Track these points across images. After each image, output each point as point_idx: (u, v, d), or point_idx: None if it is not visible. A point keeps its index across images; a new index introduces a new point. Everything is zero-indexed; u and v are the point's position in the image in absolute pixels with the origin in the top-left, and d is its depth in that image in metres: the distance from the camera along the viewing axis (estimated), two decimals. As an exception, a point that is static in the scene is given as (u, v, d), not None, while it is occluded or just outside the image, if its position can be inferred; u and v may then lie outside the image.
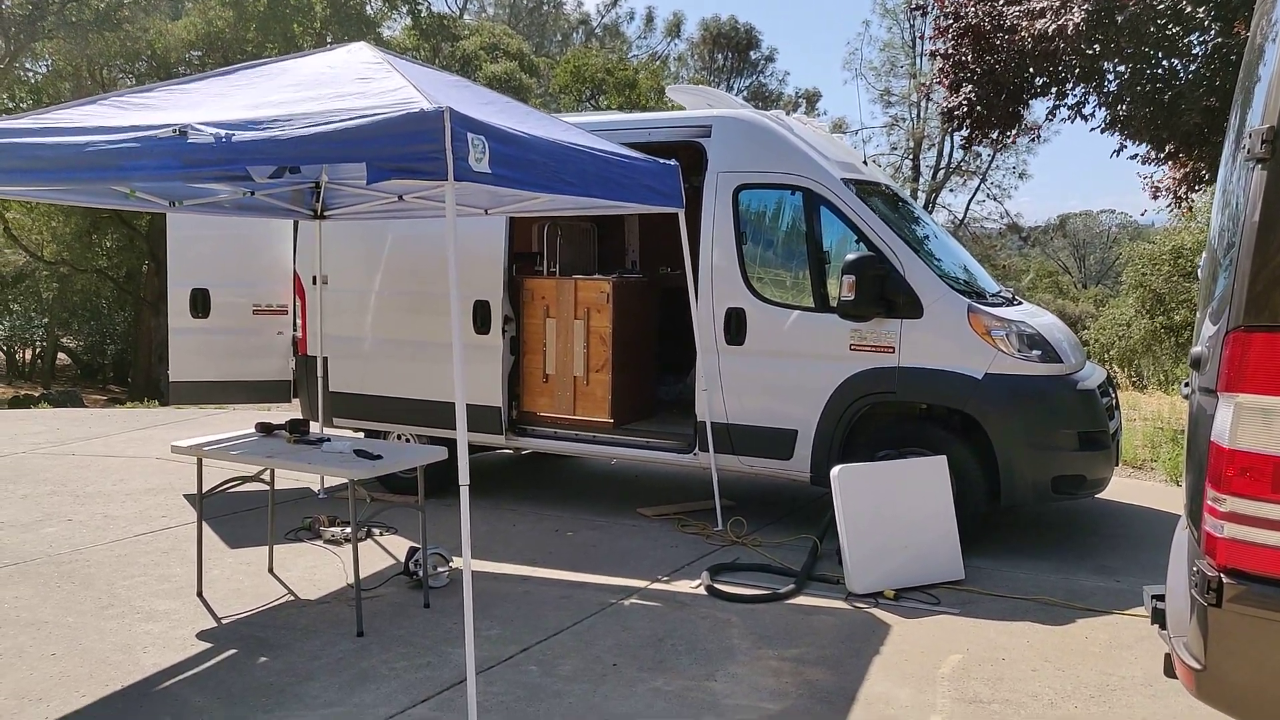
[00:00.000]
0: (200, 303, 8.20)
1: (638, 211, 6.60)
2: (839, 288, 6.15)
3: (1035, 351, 6.10)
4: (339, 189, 7.04)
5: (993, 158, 39.89)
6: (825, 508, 5.99)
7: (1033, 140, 10.97)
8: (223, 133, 4.12)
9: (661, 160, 6.34)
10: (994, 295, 6.71)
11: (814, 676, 4.47)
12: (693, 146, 6.85)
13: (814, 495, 7.14)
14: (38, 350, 32.34)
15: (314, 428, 6.75)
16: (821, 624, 5.11)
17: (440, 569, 5.69)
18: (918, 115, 40.87)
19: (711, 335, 6.68)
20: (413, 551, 5.72)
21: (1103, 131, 9.87)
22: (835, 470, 5.64)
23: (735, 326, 6.60)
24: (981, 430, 6.07)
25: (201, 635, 4.95)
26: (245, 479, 5.55)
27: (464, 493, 4.08)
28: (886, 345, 6.20)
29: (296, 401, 8.44)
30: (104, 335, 31.37)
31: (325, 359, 7.97)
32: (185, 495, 5.44)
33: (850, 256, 6.08)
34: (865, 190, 6.60)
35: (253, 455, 5.22)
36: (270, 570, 5.92)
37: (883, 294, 6.13)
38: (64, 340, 32.14)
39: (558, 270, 7.59)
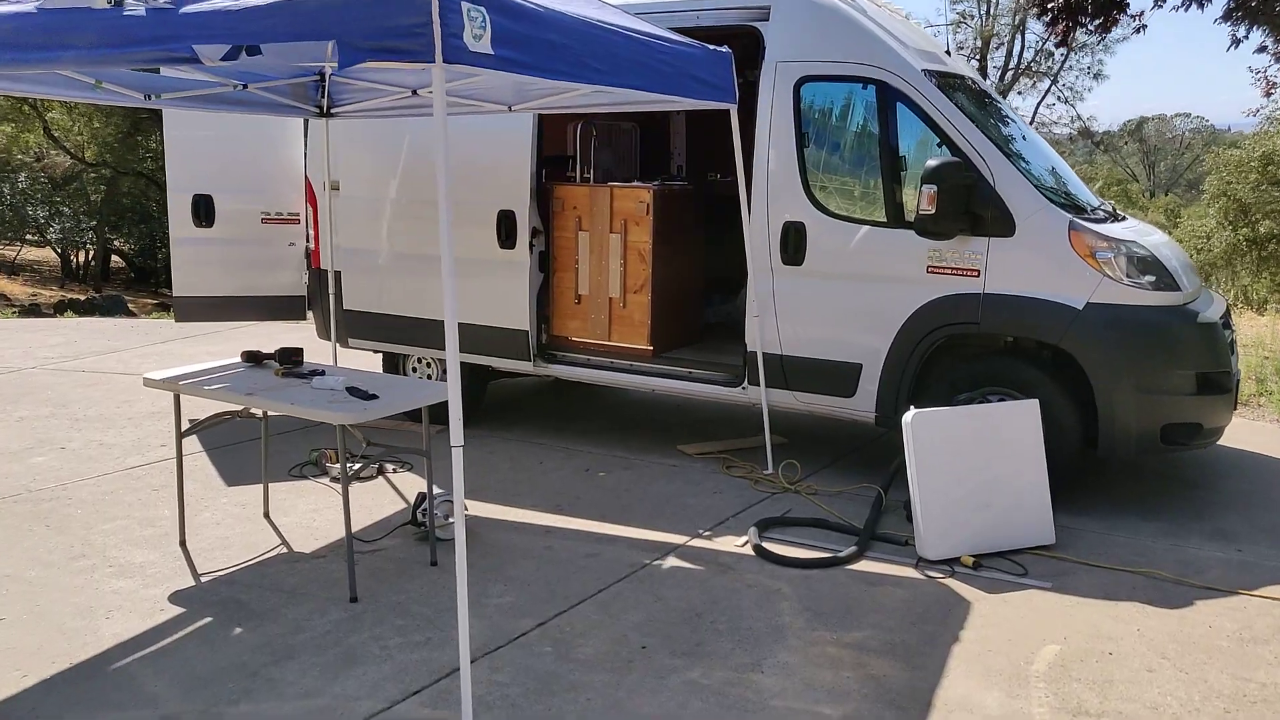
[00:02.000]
0: (203, 210, 7.49)
1: (683, 107, 5.69)
2: (917, 199, 5.24)
3: (1148, 277, 5.17)
4: (346, 83, 6.21)
5: (1066, 57, 37.67)
6: (891, 452, 5.21)
7: (1136, 31, 9.75)
8: (162, 2, 3.32)
9: (712, 46, 5.42)
10: (1095, 210, 5.75)
11: (880, 670, 3.73)
12: (747, 31, 5.89)
13: (878, 435, 6.35)
14: (90, 254, 32.13)
15: (315, 355, 6.07)
16: (888, 598, 4.36)
17: (452, 519, 5.01)
18: (987, 11, 38.57)
19: (765, 253, 5.82)
20: (421, 499, 5.04)
21: (1227, 20, 8.64)
22: (908, 416, 4.83)
23: (793, 243, 5.72)
24: (1077, 368, 5.20)
25: (175, 597, 4.33)
26: (231, 414, 4.88)
27: (456, 455, 3.33)
28: (970, 268, 5.30)
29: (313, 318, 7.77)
30: (155, 239, 30.98)
31: (339, 273, 7.26)
32: (191, 420, 4.84)
33: (932, 162, 5.15)
34: (949, 84, 5.63)
35: (232, 393, 4.53)
36: (266, 515, 5.30)
37: (969, 207, 5.22)
38: (116, 243, 31.86)
39: (593, 176, 6.73)
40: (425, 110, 6.16)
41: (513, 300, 6.54)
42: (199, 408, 5.09)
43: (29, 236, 28.91)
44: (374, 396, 4.36)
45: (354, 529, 4.97)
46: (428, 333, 6.86)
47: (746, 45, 5.96)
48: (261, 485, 5.40)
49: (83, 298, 24.48)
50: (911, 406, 5.47)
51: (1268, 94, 9.88)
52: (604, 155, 6.97)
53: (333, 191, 7.23)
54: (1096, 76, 40.81)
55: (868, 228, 5.54)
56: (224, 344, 9.84)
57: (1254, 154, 22.33)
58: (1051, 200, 5.30)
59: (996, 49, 39.10)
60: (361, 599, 4.31)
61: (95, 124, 26.22)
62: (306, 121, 7.26)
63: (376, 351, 7.38)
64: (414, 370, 7.32)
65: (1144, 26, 9.68)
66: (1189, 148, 50.72)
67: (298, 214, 7.68)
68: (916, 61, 5.54)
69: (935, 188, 5.11)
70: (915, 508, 4.74)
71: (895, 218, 5.48)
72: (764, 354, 5.87)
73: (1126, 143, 48.12)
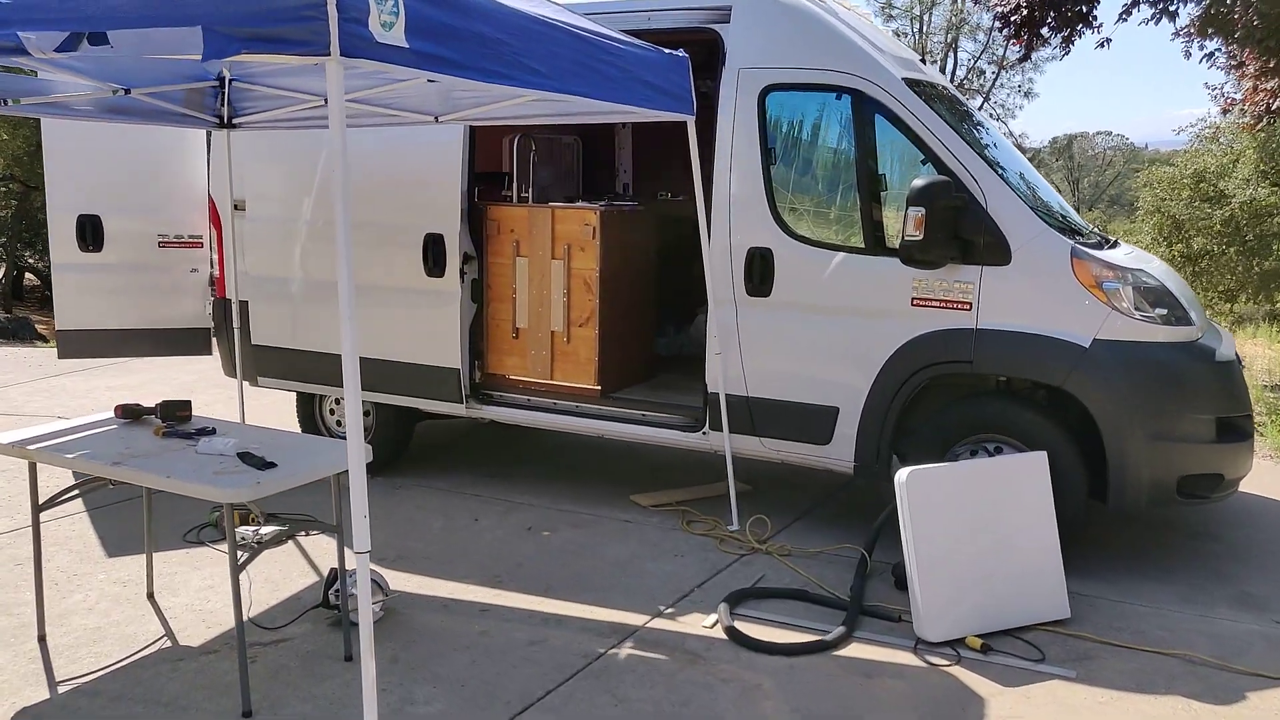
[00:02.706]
0: (90, 232, 6.62)
1: (636, 118, 5.03)
2: (901, 223, 4.63)
3: (1159, 310, 4.62)
4: (249, 89, 5.45)
5: (997, 75, 38.02)
6: (871, 501, 4.59)
7: (1100, 46, 9.36)
8: (-24, -21, 2.56)
9: (667, 50, 4.77)
10: (1088, 234, 5.21)
11: (892, 799, 3.08)
12: (705, 36, 5.25)
13: (855, 482, 5.72)
14: (0, 272, 30.39)
15: (223, 392, 5.29)
16: (888, 694, 3.71)
17: (374, 600, 4.25)
18: (920, 29, 38.74)
19: (728, 282, 5.17)
20: (333, 577, 4.27)
21: (1191, 34, 8.24)
22: (902, 475, 4.19)
23: (759, 272, 5.08)
24: (1081, 411, 4.62)
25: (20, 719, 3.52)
26: (97, 483, 4.07)
27: (360, 530, 2.61)
28: (961, 300, 4.70)
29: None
30: (71, 258, 29.30)
31: (245, 304, 6.44)
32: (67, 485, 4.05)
33: (919, 182, 4.55)
34: (929, 95, 5.04)
35: (95, 461, 3.72)
36: (150, 595, 4.48)
37: (958, 232, 4.62)
38: (30, 260, 30.18)
39: (531, 195, 6.02)
40: (348, 122, 5.43)
41: (442, 334, 5.80)
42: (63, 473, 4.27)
43: (-67, 255, 27.21)
44: (271, 465, 3.60)
45: (256, 609, 4.24)
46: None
47: (703, 51, 5.31)
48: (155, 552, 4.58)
49: (-12, 319, 23.01)
50: (895, 455, 4.89)
51: (1225, 112, 9.53)
52: (543, 172, 6.27)
53: (237, 212, 6.42)
54: (1027, 95, 41.25)
55: (843, 255, 4.92)
56: (125, 377, 8.92)
57: (1186, 171, 22.43)
58: (1048, 224, 4.73)
59: (931, 64, 39.33)
60: (257, 711, 3.53)
61: (3, 135, 24.76)
62: (210, 133, 6.45)
63: (289, 390, 6.57)
64: (331, 412, 6.53)
65: (1108, 40, 9.35)
66: (1110, 164, 51.71)
67: (200, 237, 6.85)
68: (896, 69, 4.94)
69: (923, 210, 4.50)
70: (912, 581, 4.10)
71: (875, 243, 4.86)
72: (726, 395, 5.21)
73: (1059, 159, 48.77)
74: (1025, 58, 11.08)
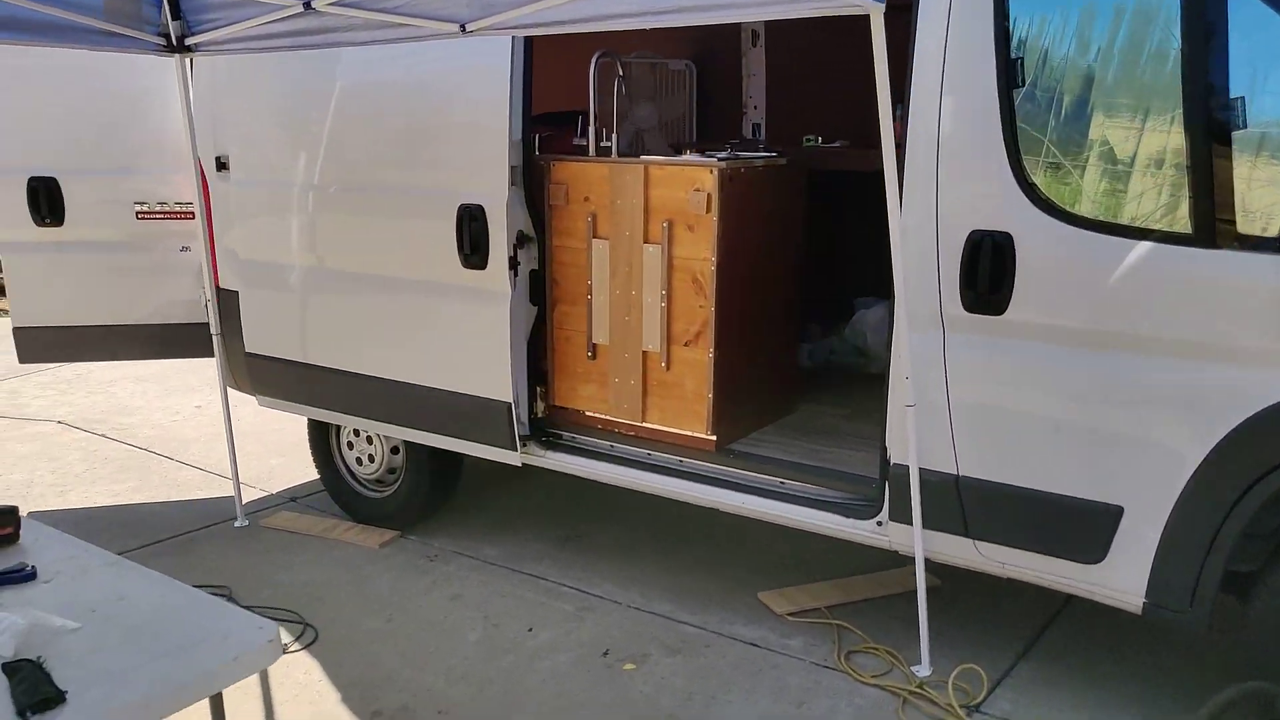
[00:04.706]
0: (45, 201, 5.03)
1: (789, 14, 3.00)
2: None
3: None
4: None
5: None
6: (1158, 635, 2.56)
7: None
8: None
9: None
10: None
11: None
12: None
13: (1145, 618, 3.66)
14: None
15: (198, 421, 3.58)
16: None
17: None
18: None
19: (930, 288, 3.12)
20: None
21: None
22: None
23: (988, 272, 3.01)
24: None
25: None
26: None
27: None
28: (1382, 334, 2.57)
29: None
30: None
31: (233, 295, 4.75)
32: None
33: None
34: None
35: None
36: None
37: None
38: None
39: (616, 144, 4.06)
40: (339, 37, 3.60)
41: (484, 351, 3.95)
42: None
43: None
44: (52, 700, 1.79)
45: None
46: (368, 394, 4.33)
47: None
48: None
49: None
50: (1228, 593, 2.85)
51: None
52: (637, 110, 4.31)
53: (221, 172, 4.69)
54: None
55: (1152, 247, 2.80)
56: (100, 389, 7.39)
57: None
58: None
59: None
60: None
61: None
62: (190, 62, 4.69)
63: (294, 414, 4.85)
64: (350, 446, 4.78)
65: None
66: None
67: (189, 205, 5.16)
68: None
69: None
70: None
71: (1221, 230, 2.73)
72: (923, 472, 3.20)
73: None
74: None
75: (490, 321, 3.90)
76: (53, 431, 6.16)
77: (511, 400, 3.93)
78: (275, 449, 5.67)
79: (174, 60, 4.40)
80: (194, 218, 5.07)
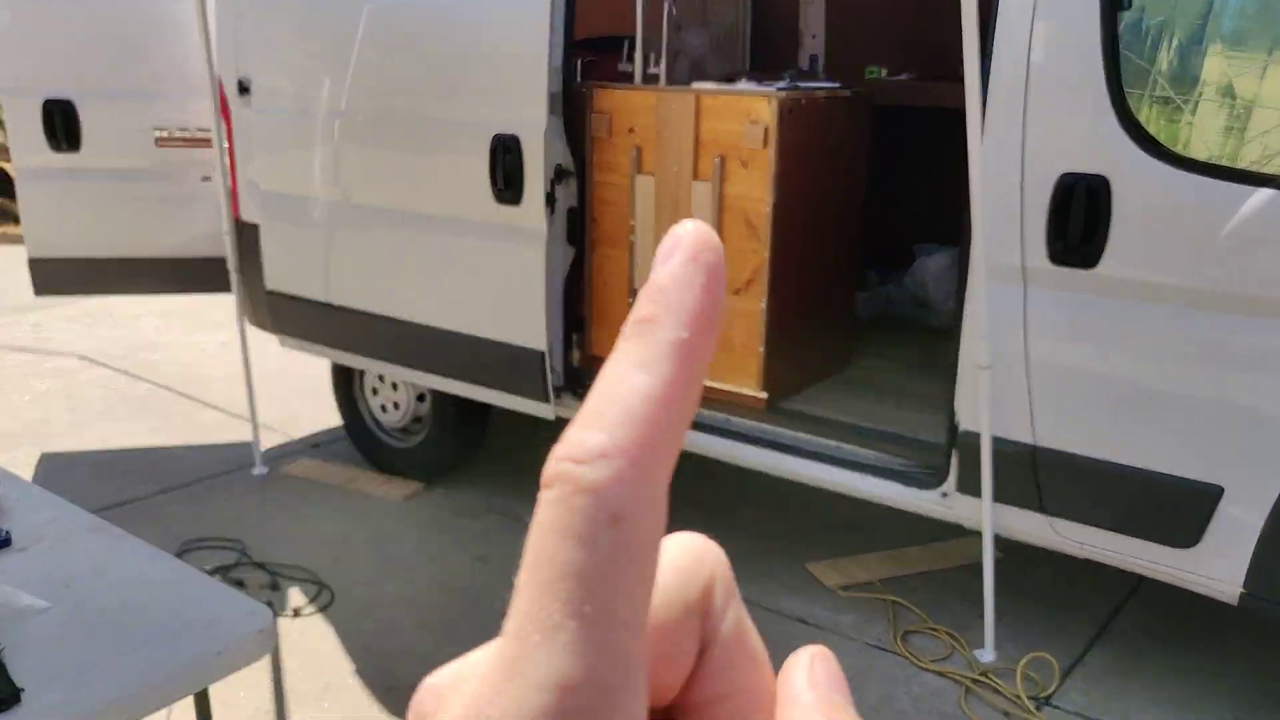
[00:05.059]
0: (61, 125, 4.79)
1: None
2: None
3: None
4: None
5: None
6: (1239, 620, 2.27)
7: None
8: None
9: None
10: None
11: None
12: None
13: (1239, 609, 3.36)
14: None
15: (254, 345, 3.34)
16: None
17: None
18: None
19: (1012, 236, 2.79)
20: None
21: None
22: None
23: (1080, 219, 2.68)
24: None
25: None
26: None
27: None
28: None
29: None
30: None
31: (253, 229, 4.50)
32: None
33: None
34: None
35: None
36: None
37: None
38: None
39: (664, 72, 3.73)
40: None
41: (517, 295, 3.67)
42: None
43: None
44: (4, 703, 1.56)
45: None
46: (392, 338, 4.08)
47: None
48: None
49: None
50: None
51: None
52: (688, 36, 3.96)
53: (242, 96, 4.41)
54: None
55: (1269, 194, 2.45)
56: (126, 323, 7.19)
57: None
58: None
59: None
60: None
61: None
62: (210, -20, 4.39)
63: (316, 355, 4.62)
64: (374, 392, 4.55)
65: None
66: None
67: (209, 131, 4.90)
68: None
69: None
70: None
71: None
72: (998, 439, 2.90)
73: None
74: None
75: (524, 263, 3.62)
76: (75, 367, 5.98)
77: (545, 348, 3.66)
78: (300, 391, 5.46)
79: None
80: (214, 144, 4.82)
